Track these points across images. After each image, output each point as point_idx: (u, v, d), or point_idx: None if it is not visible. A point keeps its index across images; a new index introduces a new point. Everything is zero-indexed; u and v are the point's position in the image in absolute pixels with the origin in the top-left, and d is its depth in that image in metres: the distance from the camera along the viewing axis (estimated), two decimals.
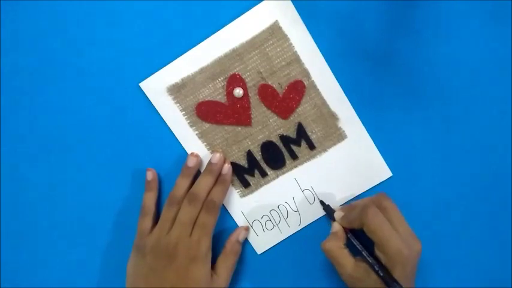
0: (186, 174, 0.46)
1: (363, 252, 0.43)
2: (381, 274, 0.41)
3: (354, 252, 0.44)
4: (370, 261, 0.42)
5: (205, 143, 0.48)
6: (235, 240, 0.48)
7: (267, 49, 0.46)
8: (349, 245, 0.44)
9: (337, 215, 0.46)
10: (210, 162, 0.47)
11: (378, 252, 0.42)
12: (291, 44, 0.46)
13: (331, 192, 0.48)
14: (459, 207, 0.48)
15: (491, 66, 0.46)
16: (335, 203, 0.48)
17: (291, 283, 0.49)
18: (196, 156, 0.47)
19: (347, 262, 0.43)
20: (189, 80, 0.46)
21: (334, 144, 0.48)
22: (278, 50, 0.46)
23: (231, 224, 0.49)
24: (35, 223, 0.49)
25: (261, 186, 0.48)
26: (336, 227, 0.45)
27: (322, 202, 0.48)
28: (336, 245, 0.44)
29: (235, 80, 0.46)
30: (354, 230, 0.44)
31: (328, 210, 0.47)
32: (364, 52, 0.46)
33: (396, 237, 0.41)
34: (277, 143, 0.48)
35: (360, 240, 0.44)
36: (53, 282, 0.49)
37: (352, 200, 0.48)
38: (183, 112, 0.47)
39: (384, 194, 0.44)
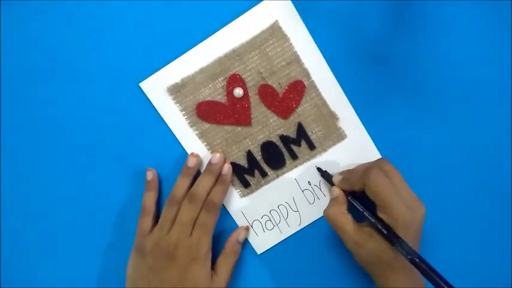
0: (186, 174, 0.46)
1: (365, 213, 0.42)
2: (385, 232, 0.40)
3: (355, 218, 0.43)
4: (373, 220, 0.41)
5: (205, 143, 0.48)
6: (235, 240, 0.48)
7: (267, 49, 0.46)
8: (350, 211, 0.44)
9: (336, 178, 0.45)
10: (210, 162, 0.47)
11: (380, 214, 0.41)
12: (291, 44, 0.46)
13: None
14: (459, 207, 0.48)
15: (491, 66, 0.46)
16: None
17: (291, 283, 0.49)
18: (196, 156, 0.47)
19: (350, 227, 0.42)
20: (189, 80, 0.46)
21: (334, 144, 0.48)
22: (278, 50, 0.46)
23: (231, 224, 0.49)
24: (35, 223, 0.49)
25: (261, 186, 0.48)
26: (336, 191, 0.45)
27: (319, 169, 0.47)
28: (338, 210, 0.43)
29: (235, 80, 0.46)
30: (354, 194, 0.44)
31: (326, 175, 0.47)
32: (364, 52, 0.46)
33: (398, 200, 0.40)
34: (277, 143, 0.48)
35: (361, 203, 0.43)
36: (53, 282, 0.49)
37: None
38: (183, 112, 0.47)
39: (385, 159, 0.43)
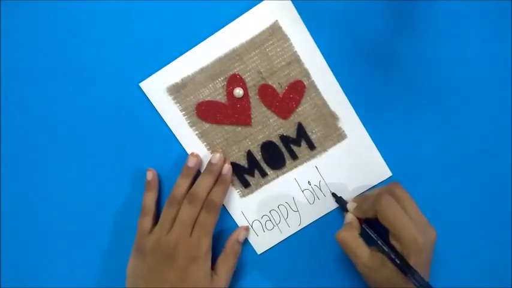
0: (186, 174, 0.46)
1: (379, 241, 0.42)
2: (398, 262, 0.40)
3: (368, 243, 0.43)
4: (386, 249, 0.41)
5: (205, 143, 0.48)
6: (235, 240, 0.48)
7: (267, 49, 0.46)
8: (363, 236, 0.44)
9: (351, 205, 0.46)
10: (210, 162, 0.47)
11: (392, 241, 0.41)
12: (291, 44, 0.46)
13: (331, 191, 0.48)
14: (459, 207, 0.48)
15: (491, 66, 0.46)
16: (335, 202, 0.48)
17: (291, 283, 0.49)
18: (196, 156, 0.47)
19: (362, 252, 0.42)
20: (189, 80, 0.46)
21: (334, 144, 0.48)
22: (278, 50, 0.46)
23: (231, 224, 0.49)
24: (35, 223, 0.49)
25: (261, 186, 0.48)
26: (350, 217, 0.45)
27: (334, 194, 0.48)
28: (350, 235, 0.43)
29: (235, 80, 0.46)
30: (368, 220, 0.44)
31: (341, 202, 0.47)
32: (364, 52, 0.46)
33: (411, 225, 0.40)
34: (277, 143, 0.48)
35: (374, 230, 0.44)
36: (53, 282, 0.49)
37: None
38: (183, 112, 0.47)
39: (396, 183, 0.44)
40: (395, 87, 0.47)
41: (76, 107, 0.47)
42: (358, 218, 0.45)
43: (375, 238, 0.43)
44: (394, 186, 0.43)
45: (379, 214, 0.42)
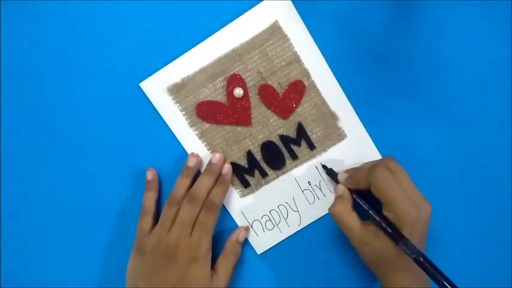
0: (186, 174, 0.46)
1: (370, 211, 0.42)
2: (389, 231, 0.40)
3: (362, 216, 0.43)
4: (378, 218, 0.41)
5: (205, 143, 0.48)
6: (235, 240, 0.48)
7: (267, 49, 0.46)
8: (355, 209, 0.44)
9: (342, 176, 0.45)
10: (210, 162, 0.47)
11: (385, 213, 0.41)
12: (291, 44, 0.46)
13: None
14: (459, 207, 0.48)
15: (491, 66, 0.46)
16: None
17: (291, 283, 0.49)
18: (196, 156, 0.47)
19: (355, 225, 0.42)
20: (189, 80, 0.46)
21: (334, 144, 0.48)
22: (278, 50, 0.46)
23: (231, 224, 0.49)
24: (35, 223, 0.49)
25: (261, 186, 0.48)
26: (341, 189, 0.45)
27: (324, 166, 0.47)
28: (343, 209, 0.43)
29: (235, 80, 0.46)
30: (359, 192, 0.44)
31: (331, 173, 0.47)
32: (364, 52, 0.46)
33: (405, 197, 0.40)
34: (277, 143, 0.48)
35: (366, 201, 0.43)
36: (53, 282, 0.49)
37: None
38: (183, 112, 0.47)
39: (390, 157, 0.43)
40: (395, 87, 0.47)
41: (76, 106, 0.47)
42: (348, 189, 0.44)
43: (366, 208, 0.42)
44: (388, 159, 0.43)
45: (372, 185, 0.41)
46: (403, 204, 0.40)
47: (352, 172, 0.45)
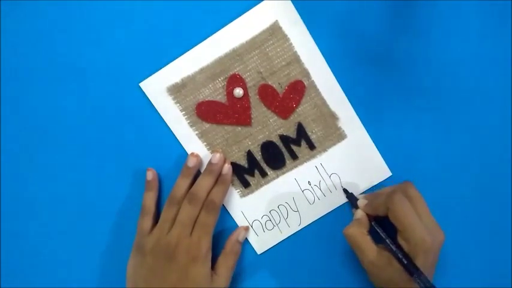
0: (186, 174, 0.46)
1: (387, 240, 0.42)
2: (404, 262, 0.40)
3: (376, 241, 0.43)
4: (394, 248, 0.41)
5: (205, 143, 0.48)
6: (235, 240, 0.48)
7: (267, 49, 0.46)
8: (370, 234, 0.44)
9: (361, 202, 0.45)
10: (210, 163, 0.47)
11: (400, 240, 0.41)
12: (291, 44, 0.46)
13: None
14: (458, 207, 0.48)
15: (491, 66, 0.46)
16: (335, 201, 0.48)
17: (291, 283, 0.49)
18: (196, 156, 0.47)
19: (369, 249, 0.42)
20: (189, 80, 0.46)
21: (334, 144, 0.48)
22: (278, 50, 0.46)
23: (231, 224, 0.49)
24: (35, 223, 0.49)
25: (261, 186, 0.48)
26: (360, 213, 0.45)
27: (345, 190, 0.48)
28: (359, 231, 0.43)
29: (235, 80, 0.46)
30: (376, 218, 0.44)
31: (351, 198, 0.47)
32: (364, 52, 0.46)
33: (421, 225, 0.40)
34: (277, 143, 0.48)
35: (382, 229, 0.43)
36: (53, 282, 0.49)
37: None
38: (183, 112, 0.47)
39: (409, 183, 0.43)
40: (395, 87, 0.47)
41: (76, 107, 0.47)
42: (367, 215, 0.45)
43: (384, 237, 0.43)
44: (407, 185, 0.43)
45: (390, 212, 0.41)
46: (419, 232, 0.40)
47: (372, 198, 0.45)
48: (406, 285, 0.41)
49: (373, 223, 0.44)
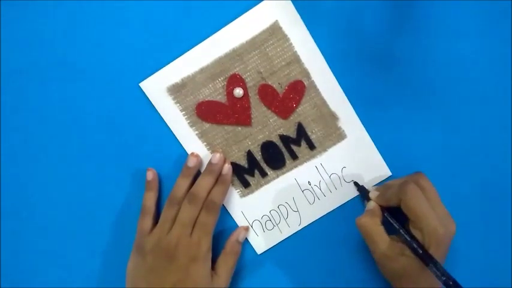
0: (186, 174, 0.46)
1: (401, 230, 0.42)
2: (420, 251, 0.40)
3: (388, 232, 0.43)
4: (408, 238, 0.41)
5: (205, 143, 0.48)
6: (235, 240, 0.48)
7: (267, 49, 0.46)
8: (383, 225, 0.43)
9: (373, 194, 0.45)
10: (210, 163, 0.47)
11: (412, 230, 0.41)
12: (291, 44, 0.46)
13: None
14: (458, 207, 0.48)
15: (491, 66, 0.46)
16: (335, 201, 0.48)
17: (291, 283, 0.49)
18: (197, 156, 0.47)
19: (382, 240, 0.42)
20: (189, 80, 0.46)
21: (334, 144, 0.48)
22: (278, 50, 0.46)
23: (231, 224, 0.49)
24: (35, 223, 0.49)
25: (261, 186, 0.48)
26: (372, 204, 0.45)
27: (356, 183, 0.47)
28: (371, 221, 0.43)
29: (235, 80, 0.46)
30: (388, 209, 0.44)
31: (362, 190, 0.47)
32: (364, 52, 0.46)
33: (434, 216, 0.40)
34: (277, 143, 0.48)
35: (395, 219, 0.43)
36: (53, 282, 0.49)
37: (351, 200, 0.48)
38: (183, 112, 0.47)
39: (421, 173, 0.43)
40: (395, 87, 0.47)
41: (76, 107, 0.47)
42: (380, 206, 0.45)
43: (397, 227, 0.42)
44: (419, 176, 0.43)
45: (402, 203, 0.41)
46: (432, 223, 0.40)
47: (383, 190, 0.45)
48: (417, 275, 0.41)
49: (386, 214, 0.44)
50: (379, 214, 0.44)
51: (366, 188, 0.47)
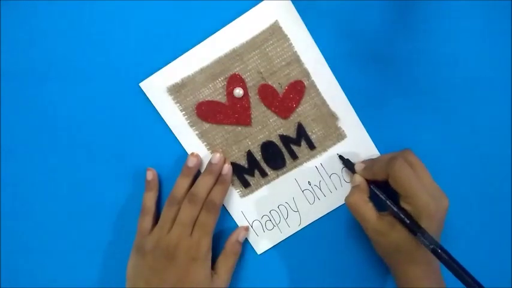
0: (186, 174, 0.46)
1: (388, 202, 0.42)
2: (407, 222, 0.40)
3: (378, 208, 0.43)
4: (395, 209, 0.41)
5: (205, 143, 0.48)
6: (235, 240, 0.48)
7: (267, 49, 0.46)
8: (372, 199, 0.43)
9: (359, 166, 0.45)
10: (210, 163, 0.47)
11: (403, 205, 0.41)
12: (291, 44, 0.46)
13: (331, 191, 0.48)
14: (458, 207, 0.48)
15: (491, 66, 0.46)
16: (335, 201, 0.48)
17: (291, 283, 0.49)
18: (197, 156, 0.47)
19: (371, 215, 0.42)
20: (189, 80, 0.46)
21: (334, 144, 0.48)
22: (278, 50, 0.46)
23: (231, 224, 0.49)
24: (35, 223, 0.49)
25: (261, 186, 0.48)
26: (358, 179, 0.44)
27: (341, 157, 0.47)
28: (360, 198, 0.43)
29: (235, 80, 0.46)
30: (376, 183, 0.44)
31: (348, 163, 0.47)
32: (364, 52, 0.46)
33: (423, 190, 0.40)
34: (277, 143, 0.48)
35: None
36: (53, 282, 0.49)
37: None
38: (183, 112, 0.47)
39: (409, 150, 0.43)
40: (395, 87, 0.47)
41: (76, 107, 0.47)
42: (366, 180, 0.44)
43: (384, 198, 0.42)
44: (407, 152, 0.43)
45: (390, 177, 0.41)
46: (422, 197, 0.40)
47: (370, 163, 0.45)
48: (410, 249, 0.41)
49: (372, 186, 0.44)
50: (366, 189, 0.44)
51: (352, 161, 0.47)
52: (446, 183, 0.48)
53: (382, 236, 0.42)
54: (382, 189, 0.43)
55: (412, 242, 0.40)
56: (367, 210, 0.42)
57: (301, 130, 0.47)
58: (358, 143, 0.47)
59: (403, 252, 0.41)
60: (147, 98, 0.47)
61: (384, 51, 0.46)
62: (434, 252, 0.38)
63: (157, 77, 0.46)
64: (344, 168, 0.48)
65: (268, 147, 0.48)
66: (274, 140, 0.48)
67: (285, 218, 0.49)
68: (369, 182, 0.44)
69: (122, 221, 0.49)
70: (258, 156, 0.48)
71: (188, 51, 0.46)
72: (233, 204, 0.49)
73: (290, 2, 0.45)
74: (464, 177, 0.48)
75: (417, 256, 0.41)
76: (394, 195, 0.42)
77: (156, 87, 0.46)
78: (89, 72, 0.47)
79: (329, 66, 0.46)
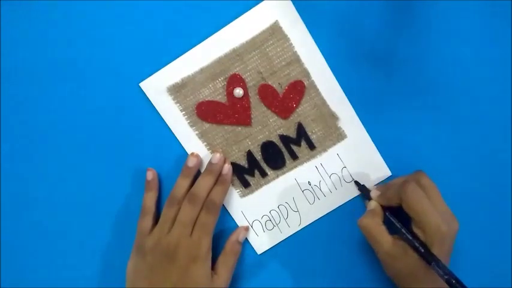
0: (186, 174, 0.46)
1: (402, 229, 0.42)
2: (421, 250, 0.40)
3: (390, 232, 0.43)
4: (410, 237, 0.41)
5: (205, 143, 0.48)
6: (235, 240, 0.48)
7: (267, 49, 0.46)
8: (385, 224, 0.44)
9: (374, 193, 0.45)
10: (210, 163, 0.47)
11: (415, 229, 0.41)
12: (291, 44, 0.46)
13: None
14: (458, 207, 0.48)
15: (491, 66, 0.46)
16: (335, 201, 0.48)
17: (291, 283, 0.49)
18: (197, 156, 0.47)
19: (384, 239, 0.42)
20: (189, 80, 0.46)
21: (334, 144, 0.48)
22: (278, 50, 0.46)
23: (231, 224, 0.49)
24: (35, 223, 0.49)
25: (261, 186, 0.48)
26: (373, 204, 0.45)
27: (357, 182, 0.47)
28: (373, 222, 0.43)
29: (235, 80, 0.46)
30: (390, 208, 0.44)
31: (364, 189, 0.47)
32: (364, 52, 0.46)
33: (435, 214, 0.40)
34: (277, 143, 0.48)
35: (397, 219, 0.43)
36: (53, 282, 0.49)
37: (352, 200, 0.48)
38: (183, 112, 0.47)
39: (422, 172, 0.43)
40: (395, 87, 0.47)
41: (76, 107, 0.47)
42: (381, 205, 0.45)
43: (399, 226, 0.42)
44: (419, 175, 0.43)
45: (403, 202, 0.41)
46: (434, 221, 0.40)
47: (384, 189, 0.45)
48: (422, 274, 0.41)
49: (387, 213, 0.44)
50: (381, 214, 0.44)
51: (367, 187, 0.47)
52: (446, 183, 0.48)
53: (394, 260, 0.42)
54: (396, 215, 0.43)
55: (423, 267, 0.41)
56: (381, 234, 0.43)
57: (301, 130, 0.47)
58: (358, 143, 0.47)
59: (414, 277, 0.41)
60: (147, 98, 0.47)
61: (384, 51, 0.46)
62: (448, 282, 0.39)
63: (157, 77, 0.46)
64: (360, 195, 0.48)
65: (268, 147, 0.48)
66: (274, 140, 0.48)
67: (285, 218, 0.49)
68: (384, 209, 0.44)
69: (122, 221, 0.49)
70: (258, 156, 0.48)
71: (188, 51, 0.46)
72: (233, 204, 0.49)
73: (290, 2, 0.45)
74: (465, 177, 0.48)
75: (427, 280, 0.41)
76: (407, 221, 0.42)
77: (156, 87, 0.46)
78: (89, 72, 0.47)
79: (329, 66, 0.46)
